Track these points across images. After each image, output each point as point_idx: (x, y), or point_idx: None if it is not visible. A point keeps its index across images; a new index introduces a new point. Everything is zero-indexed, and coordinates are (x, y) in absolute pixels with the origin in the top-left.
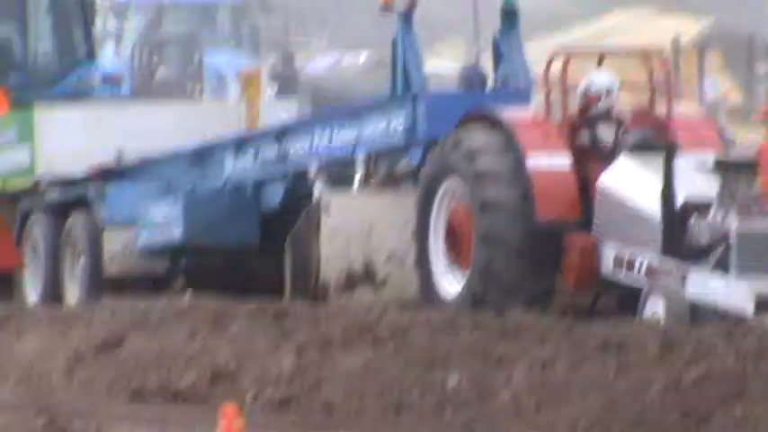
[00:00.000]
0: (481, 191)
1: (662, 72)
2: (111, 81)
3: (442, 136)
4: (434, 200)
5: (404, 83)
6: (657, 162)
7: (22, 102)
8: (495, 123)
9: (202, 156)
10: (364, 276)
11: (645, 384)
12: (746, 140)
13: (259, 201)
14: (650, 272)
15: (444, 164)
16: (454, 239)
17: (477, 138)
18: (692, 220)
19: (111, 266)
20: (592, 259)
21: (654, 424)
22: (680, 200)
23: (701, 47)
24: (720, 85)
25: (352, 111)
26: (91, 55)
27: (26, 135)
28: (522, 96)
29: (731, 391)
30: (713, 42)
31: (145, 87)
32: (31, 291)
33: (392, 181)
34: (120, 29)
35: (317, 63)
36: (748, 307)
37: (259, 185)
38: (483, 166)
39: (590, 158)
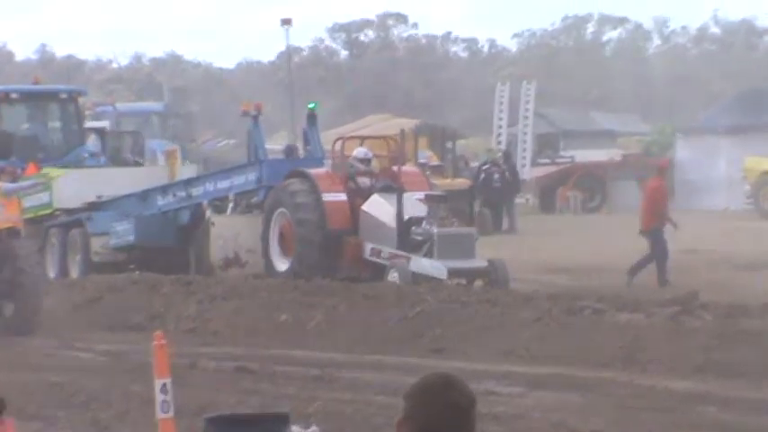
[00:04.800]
0: (298, 214)
1: (395, 148)
2: (95, 156)
3: (276, 183)
4: (272, 219)
5: (254, 155)
6: (393, 197)
7: (44, 168)
8: (305, 177)
9: (145, 195)
10: (234, 261)
11: (388, 318)
12: (441, 184)
13: (176, 220)
14: (390, 257)
15: (278, 199)
16: (283, 240)
17: (295, 185)
18: (413, 228)
19: (95, 257)
20: (358, 250)
21: (393, 339)
22: (406, 217)
23: (416, 134)
24: (427, 155)
25: (227, 170)
26: (82, 141)
27: (47, 186)
28: (319, 162)
29: (435, 320)
30: (422, 131)
31: (113, 160)
32: (51, 271)
33: (248, 209)
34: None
35: (207, 145)
36: (444, 275)
37: (176, 211)
38: (299, 200)
39: (357, 195)
